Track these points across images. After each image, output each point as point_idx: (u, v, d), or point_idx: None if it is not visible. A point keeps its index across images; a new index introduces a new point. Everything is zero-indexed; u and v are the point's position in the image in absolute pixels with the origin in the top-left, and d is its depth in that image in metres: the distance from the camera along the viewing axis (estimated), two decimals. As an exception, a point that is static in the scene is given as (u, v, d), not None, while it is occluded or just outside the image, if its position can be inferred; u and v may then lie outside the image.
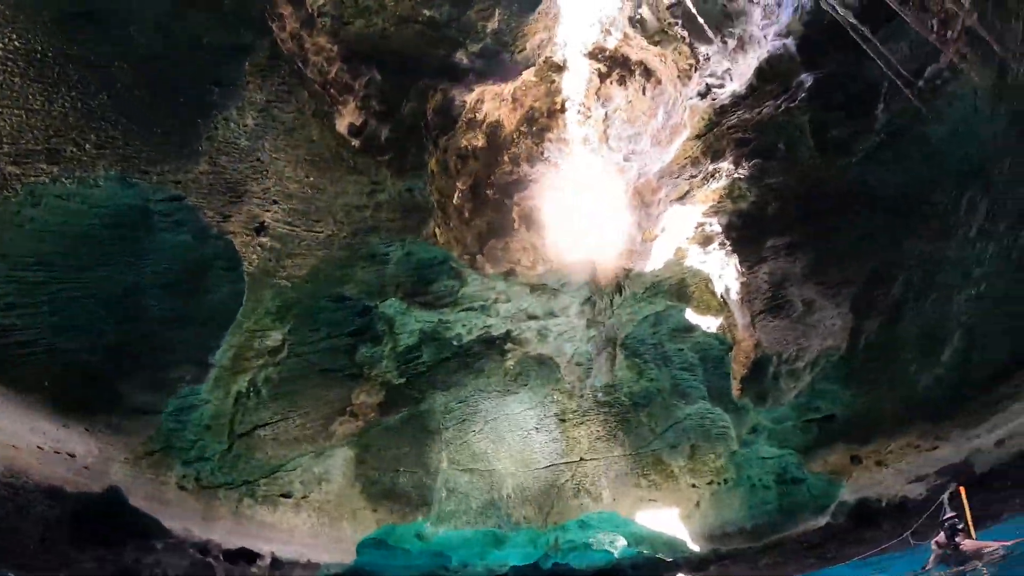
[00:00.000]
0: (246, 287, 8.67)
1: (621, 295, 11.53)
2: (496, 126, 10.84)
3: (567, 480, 12.32)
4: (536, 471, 12.24)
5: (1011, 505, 9.82)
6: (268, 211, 8.90)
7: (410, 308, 10.83)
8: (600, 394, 12.18)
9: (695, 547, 12.14)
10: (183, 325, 8.48)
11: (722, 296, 10.86)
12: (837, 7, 8.76)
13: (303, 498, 10.16)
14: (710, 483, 11.62)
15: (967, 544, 7.63)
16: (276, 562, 9.45)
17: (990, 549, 7.47)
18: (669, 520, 12.37)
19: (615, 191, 11.58)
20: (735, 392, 10.82)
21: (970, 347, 10.00)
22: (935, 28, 8.04)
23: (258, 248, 8.76)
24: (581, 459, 11.85)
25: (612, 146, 12.04)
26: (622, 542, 12.97)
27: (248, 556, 9.12)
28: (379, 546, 11.11)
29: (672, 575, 12.65)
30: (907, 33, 8.73)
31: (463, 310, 11.30)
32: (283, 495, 10.01)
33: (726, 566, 12.19)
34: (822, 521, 11.55)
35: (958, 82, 8.48)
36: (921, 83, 8.89)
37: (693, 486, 11.49)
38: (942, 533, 7.80)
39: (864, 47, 8.81)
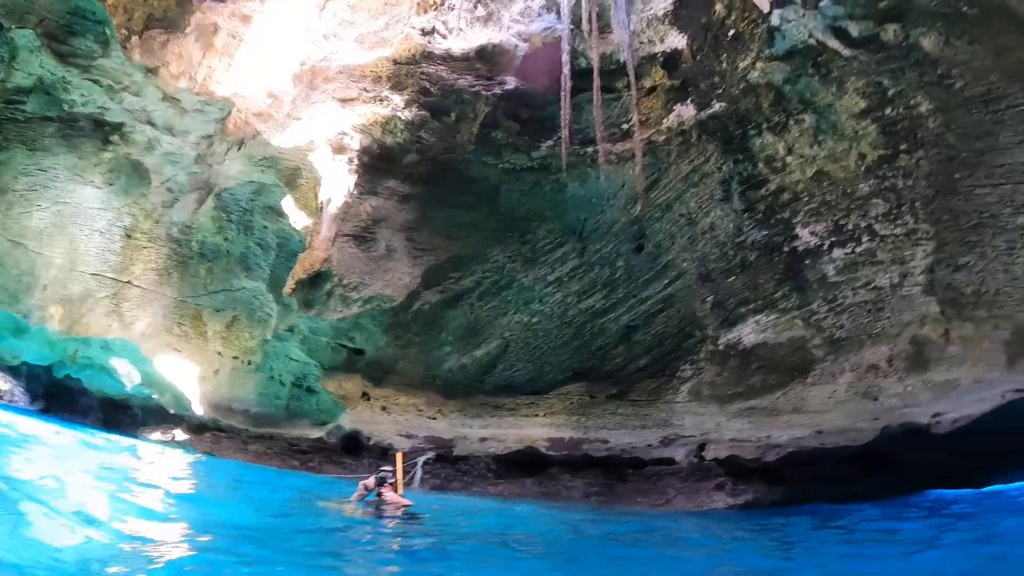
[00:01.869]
0: None
1: (239, 150, 13.39)
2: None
3: (107, 296, 14.09)
4: (82, 274, 13.79)
5: (453, 487, 13.90)
6: None
7: (42, 49, 11.64)
8: (176, 229, 14.14)
9: (199, 410, 14.99)
10: None
11: (322, 203, 13.16)
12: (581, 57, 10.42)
13: None
14: (235, 358, 14.55)
15: (388, 495, 10.40)
16: None
17: (401, 505, 10.26)
18: (185, 376, 14.72)
19: (295, 57, 13.16)
20: (287, 288, 13.64)
21: (500, 357, 14.18)
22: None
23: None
24: (129, 282, 13.38)
25: (323, 17, 13.32)
26: (137, 379, 15.01)
27: None
28: None
29: (168, 427, 13.55)
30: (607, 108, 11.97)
31: (90, 80, 12.21)
32: None
33: (219, 439, 15.05)
34: (316, 434, 14.89)
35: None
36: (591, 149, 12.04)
37: (219, 354, 14.03)
38: (373, 478, 10.60)
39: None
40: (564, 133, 11.65)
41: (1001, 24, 9.45)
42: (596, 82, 11.31)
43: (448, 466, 14.24)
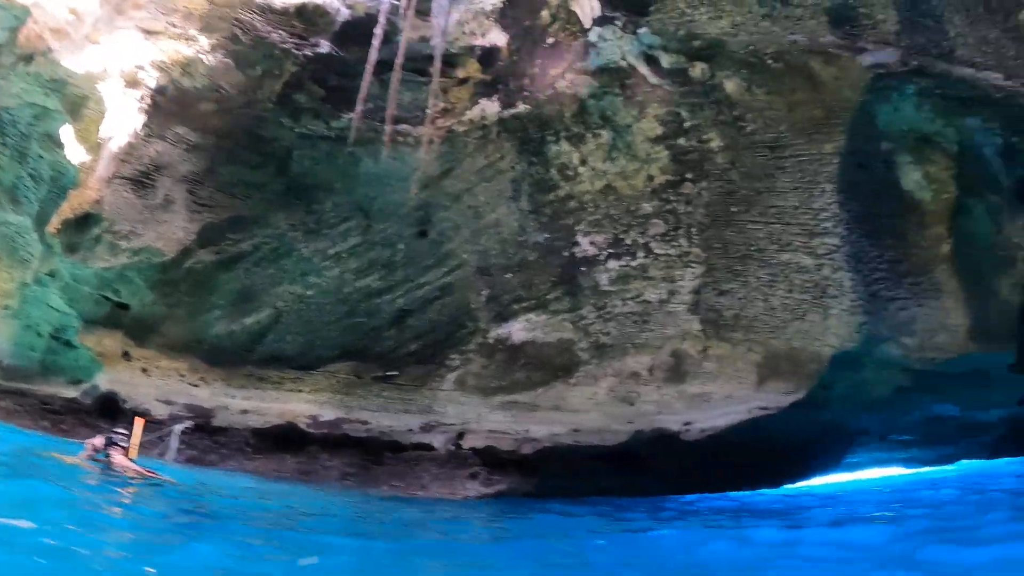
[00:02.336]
0: None
1: (27, 66, 12.27)
2: None
3: None
4: None
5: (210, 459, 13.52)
6: None
7: None
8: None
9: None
10: None
11: (103, 139, 11.25)
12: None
13: None
14: (-9, 301, 12.35)
15: (117, 459, 9.95)
16: None
17: (133, 469, 9.94)
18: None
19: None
20: (52, 227, 12.74)
21: (270, 327, 13.75)
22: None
23: None
24: None
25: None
26: None
27: None
28: None
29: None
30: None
31: None
32: None
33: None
34: (71, 393, 13.96)
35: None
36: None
37: (-22, 295, 12.15)
38: (102, 439, 10.15)
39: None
40: (358, 108, 11.47)
41: (799, 82, 10.30)
42: (398, 60, 11.18)
43: (206, 437, 13.73)
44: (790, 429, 12.35)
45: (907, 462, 17.66)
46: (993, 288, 10.71)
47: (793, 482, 15.57)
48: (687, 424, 11.62)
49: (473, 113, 11.87)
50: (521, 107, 11.61)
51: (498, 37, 11.81)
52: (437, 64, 11.31)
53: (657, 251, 11.35)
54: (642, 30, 10.49)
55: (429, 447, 13.25)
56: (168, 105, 12.72)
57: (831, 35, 9.95)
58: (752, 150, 10.77)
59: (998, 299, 10.69)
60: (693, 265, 11.21)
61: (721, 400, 11.31)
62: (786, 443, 13.01)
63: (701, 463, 12.40)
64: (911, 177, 10.61)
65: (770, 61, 10.25)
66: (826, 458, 15.34)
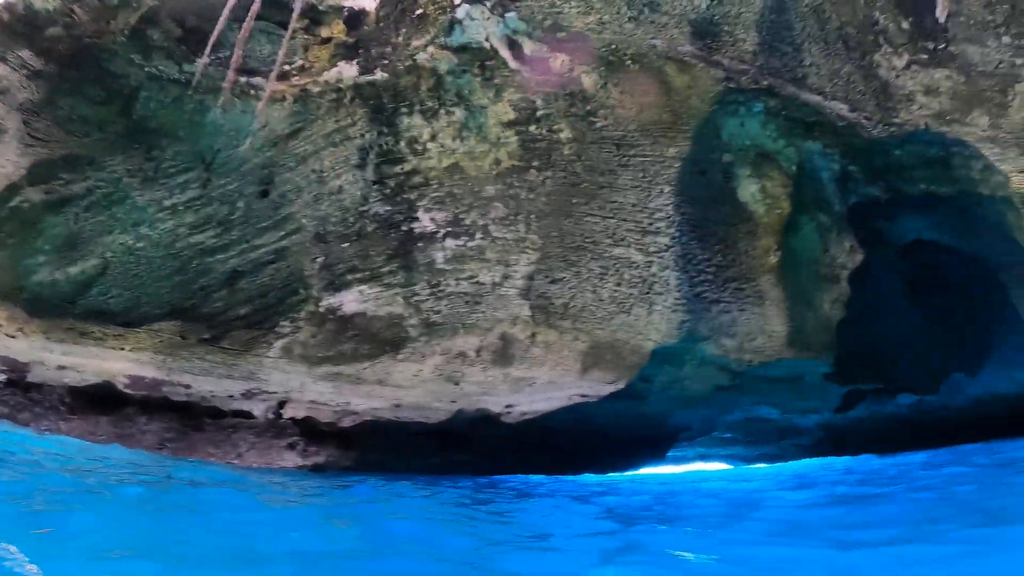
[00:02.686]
0: None
1: None
2: None
3: None
4: None
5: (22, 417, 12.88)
6: None
7: None
8: None
9: None
10: None
11: None
12: None
13: None
14: None
15: None
16: None
17: None
18: None
19: None
20: None
21: (97, 279, 13.05)
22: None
23: None
24: None
25: None
26: None
27: None
28: None
29: None
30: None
31: None
32: None
33: None
34: None
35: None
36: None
37: None
38: None
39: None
40: (207, 52, 11.20)
41: (652, 85, 10.59)
42: (255, 7, 10.91)
43: (19, 393, 12.97)
44: (612, 419, 12.68)
45: (730, 459, 18.63)
46: (815, 302, 11.27)
47: (619, 471, 15.91)
48: (509, 407, 11.67)
49: (330, 75, 11.70)
50: (379, 75, 11.50)
51: (368, 1, 11.77)
52: (295, 17, 11.14)
53: (495, 234, 11.38)
54: (510, 14, 10.56)
55: (249, 415, 12.91)
56: (15, 25, 12.06)
57: (691, 45, 10.30)
58: (599, 145, 10.96)
59: (818, 312, 11.25)
60: (529, 251, 11.27)
61: (544, 385, 11.40)
62: (608, 432, 13.39)
63: (523, 446, 12.53)
64: (748, 190, 11.10)
65: (629, 62, 10.50)
66: (650, 450, 15.76)
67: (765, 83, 10.33)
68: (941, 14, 9.34)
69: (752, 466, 18.35)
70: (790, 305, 11.04)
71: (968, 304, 13.14)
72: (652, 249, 10.89)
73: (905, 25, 9.70)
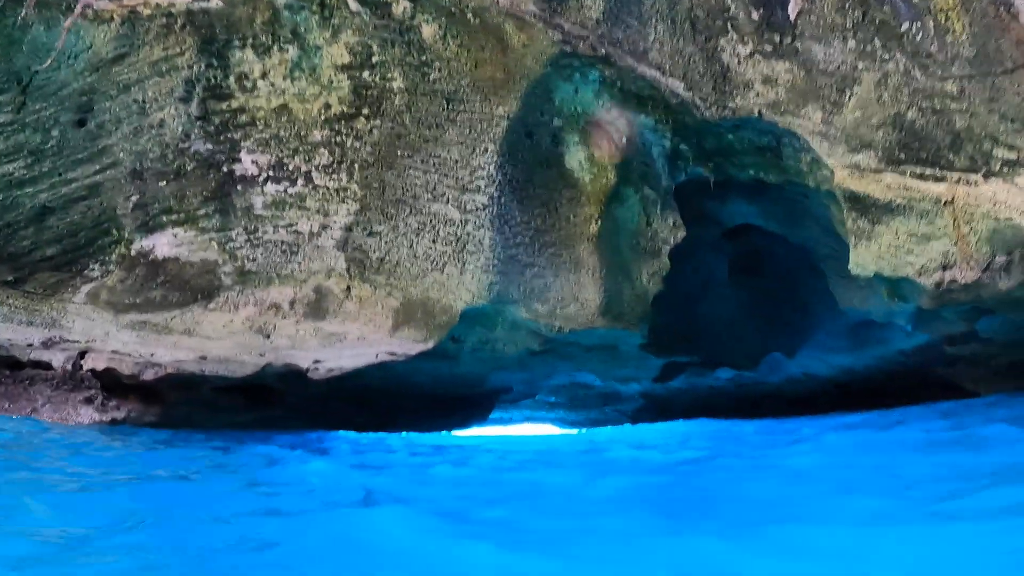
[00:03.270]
0: None
1: None
2: None
3: None
4: None
5: None
6: None
7: None
8: None
9: None
10: None
11: None
12: None
13: None
14: None
15: None
16: None
17: None
18: None
19: None
20: None
21: None
22: None
23: None
24: None
25: None
26: None
27: None
28: None
29: None
30: None
31: None
32: None
33: None
34: None
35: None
36: None
37: None
38: None
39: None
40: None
41: (490, 41, 10.32)
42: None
43: None
44: (428, 379, 12.36)
45: (559, 422, 18.81)
46: (633, 274, 11.12)
47: (441, 430, 15.61)
48: (317, 362, 11.12)
49: (163, -3, 11.15)
50: (214, 3, 10.93)
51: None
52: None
53: (317, 181, 10.87)
54: (352, -47, 10.28)
55: (48, 366, 12.05)
56: None
57: (534, 5, 10.06)
58: (430, 98, 10.59)
59: (635, 284, 11.11)
60: (349, 202, 10.78)
61: (354, 341, 10.88)
62: (426, 392, 13.12)
63: (337, 403, 12.05)
64: (576, 157, 10.84)
65: (470, 16, 10.18)
66: (472, 410, 15.50)
67: (603, 51, 10.15)
68: (793, 10, 9.55)
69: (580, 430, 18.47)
70: (606, 275, 10.82)
71: (789, 290, 13.21)
72: (469, 207, 10.50)
73: (755, 16, 9.75)
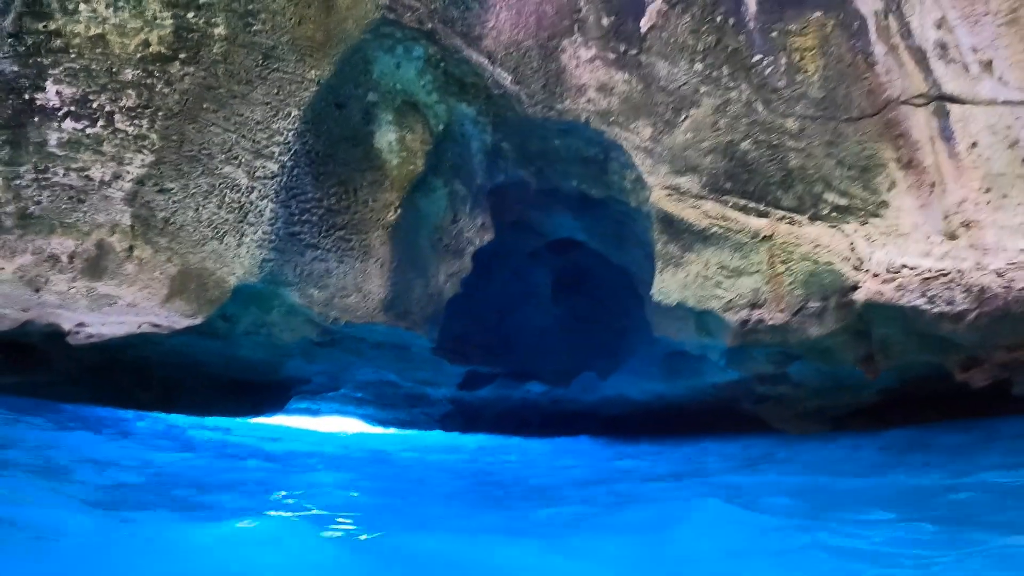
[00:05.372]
0: None
1: None
2: None
3: None
4: None
5: None
6: None
7: None
8: None
9: None
10: None
11: None
12: None
13: None
14: None
15: None
16: None
17: None
18: None
19: None
20: None
21: None
22: None
23: None
24: None
25: None
26: None
27: None
28: None
29: None
30: None
31: None
32: None
33: None
34: None
35: None
36: None
37: None
38: None
39: None
40: None
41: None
42: None
43: None
44: (210, 359, 11.51)
45: (368, 419, 18.20)
46: (428, 271, 10.25)
47: (228, 415, 14.74)
48: (80, 325, 9.95)
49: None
50: (41, -91, 10.03)
51: None
52: None
53: (119, 125, 9.78)
54: None
55: None
56: None
57: (357, -35, 9.29)
58: (248, 50, 9.58)
59: (429, 282, 10.24)
60: (145, 152, 9.69)
61: (124, 308, 9.75)
62: (212, 374, 12.28)
63: (112, 373, 10.93)
64: (386, 137, 9.89)
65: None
66: (263, 398, 14.31)
67: (429, 26, 9.22)
68: (645, 24, 9.13)
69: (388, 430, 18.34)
70: (396, 268, 9.82)
71: (608, 312, 12.80)
72: (259, 174, 9.41)
73: (606, 21, 9.29)
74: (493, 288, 10.78)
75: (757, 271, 8.29)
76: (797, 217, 8.15)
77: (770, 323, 8.42)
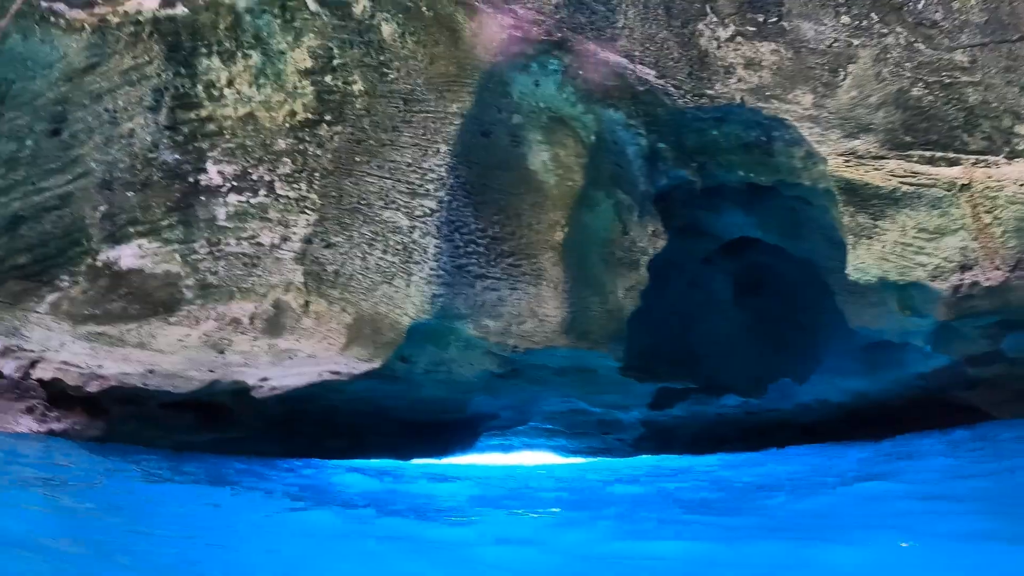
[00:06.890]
0: None
1: None
2: None
3: None
4: None
5: None
6: None
7: None
8: None
9: None
10: None
11: None
12: None
13: None
14: None
15: None
16: None
17: None
18: None
19: None
20: None
21: None
22: None
23: None
24: None
25: None
26: None
27: None
28: None
29: None
30: None
31: None
32: None
33: None
34: None
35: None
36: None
37: None
38: None
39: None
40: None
41: (443, 34, 9.75)
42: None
43: None
44: (394, 403, 11.83)
45: (560, 451, 17.76)
46: (606, 287, 10.04)
47: (418, 457, 14.80)
48: (263, 379, 10.56)
49: (130, 5, 11.01)
50: (179, 9, 10.76)
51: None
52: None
53: (280, 192, 10.44)
54: (310, -47, 9.98)
55: (-1, 374, 11.85)
56: None
57: (484, -11, 9.57)
58: (388, 99, 10.08)
59: (608, 299, 10.03)
60: (308, 212, 10.31)
61: (304, 359, 10.28)
62: (395, 417, 12.58)
63: (299, 424, 11.48)
64: (539, 157, 9.91)
65: (424, 8, 9.78)
66: (452, 437, 14.46)
67: (558, 36, 9.47)
68: None
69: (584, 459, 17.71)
70: (571, 288, 9.69)
71: (796, 309, 12.15)
72: (418, 213, 9.68)
73: None
74: (670, 299, 10.45)
75: (961, 227, 7.51)
76: (992, 158, 7.33)
77: (986, 284, 7.55)
